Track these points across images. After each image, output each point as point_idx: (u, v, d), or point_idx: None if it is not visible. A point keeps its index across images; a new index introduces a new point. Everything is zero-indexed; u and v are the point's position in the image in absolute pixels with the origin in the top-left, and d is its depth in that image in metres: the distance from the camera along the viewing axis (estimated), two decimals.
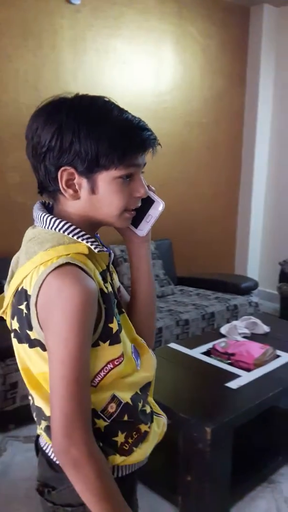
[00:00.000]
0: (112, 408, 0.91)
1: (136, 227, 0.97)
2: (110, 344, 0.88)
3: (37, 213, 0.91)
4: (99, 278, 0.88)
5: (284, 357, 2.34)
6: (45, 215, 0.89)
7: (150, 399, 1.03)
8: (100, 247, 0.89)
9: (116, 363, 0.89)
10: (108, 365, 0.88)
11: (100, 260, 0.91)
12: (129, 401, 0.93)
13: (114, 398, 0.91)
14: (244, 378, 2.12)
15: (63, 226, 0.87)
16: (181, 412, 1.83)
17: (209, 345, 2.47)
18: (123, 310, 0.98)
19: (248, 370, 2.21)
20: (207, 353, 2.41)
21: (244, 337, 2.60)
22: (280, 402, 2.66)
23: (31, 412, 0.98)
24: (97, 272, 0.88)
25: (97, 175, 0.86)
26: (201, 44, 4.13)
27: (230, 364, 2.28)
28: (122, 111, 0.87)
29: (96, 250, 0.87)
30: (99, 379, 0.88)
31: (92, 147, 0.83)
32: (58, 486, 0.92)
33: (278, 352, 2.38)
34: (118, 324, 0.91)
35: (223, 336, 2.60)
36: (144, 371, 0.98)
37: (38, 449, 1.00)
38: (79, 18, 3.38)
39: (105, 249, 0.92)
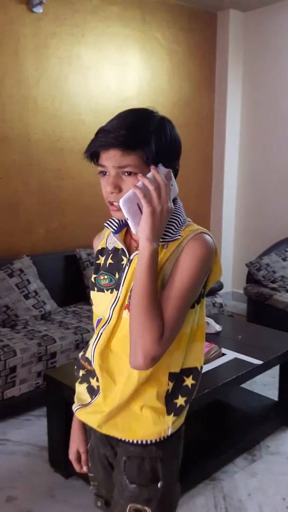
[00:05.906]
0: None
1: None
2: (91, 290, 1.14)
3: None
4: (104, 242, 1.15)
5: (228, 355, 2.37)
6: None
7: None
8: (111, 227, 1.09)
9: (91, 303, 1.15)
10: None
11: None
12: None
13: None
14: None
15: None
16: None
17: None
18: (116, 289, 1.07)
19: None
20: None
21: None
22: (228, 399, 2.70)
23: None
24: (105, 240, 1.15)
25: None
26: (168, 49, 4.20)
27: None
28: (113, 119, 0.99)
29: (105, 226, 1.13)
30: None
31: None
32: None
33: (224, 351, 2.41)
34: (96, 280, 1.12)
35: None
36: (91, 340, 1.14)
37: None
38: (42, 26, 3.44)
39: (109, 228, 1.10)
